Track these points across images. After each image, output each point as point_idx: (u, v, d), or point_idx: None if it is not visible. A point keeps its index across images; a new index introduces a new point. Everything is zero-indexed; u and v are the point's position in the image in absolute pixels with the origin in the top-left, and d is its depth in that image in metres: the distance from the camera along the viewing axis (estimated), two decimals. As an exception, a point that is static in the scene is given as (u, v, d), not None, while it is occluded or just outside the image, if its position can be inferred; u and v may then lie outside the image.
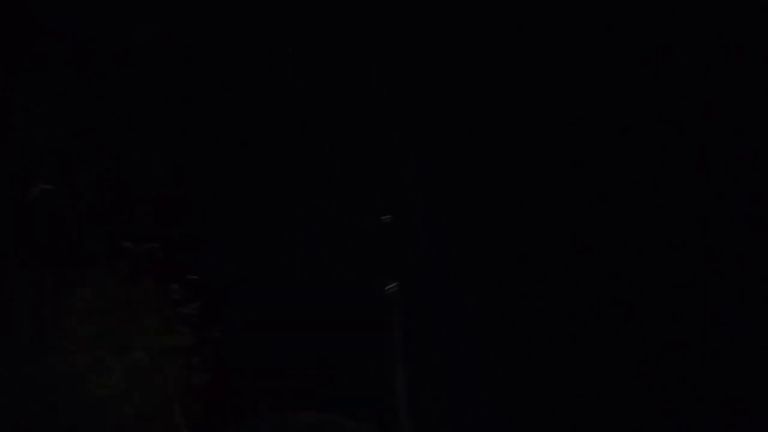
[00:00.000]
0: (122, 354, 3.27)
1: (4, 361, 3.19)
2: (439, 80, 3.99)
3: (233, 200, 3.79)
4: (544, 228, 3.79)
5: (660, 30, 3.89)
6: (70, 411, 3.19)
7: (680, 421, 3.50)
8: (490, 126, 3.93)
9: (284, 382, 3.52)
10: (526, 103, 3.92)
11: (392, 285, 3.66)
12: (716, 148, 3.77)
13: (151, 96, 3.75)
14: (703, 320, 3.61)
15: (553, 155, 3.87)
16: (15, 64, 3.61)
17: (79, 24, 3.74)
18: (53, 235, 3.41)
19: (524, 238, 3.80)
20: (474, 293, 3.74)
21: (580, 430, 3.55)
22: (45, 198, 3.43)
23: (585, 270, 3.72)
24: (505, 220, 3.83)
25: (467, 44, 3.98)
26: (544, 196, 3.84)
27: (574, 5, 3.94)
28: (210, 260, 3.57)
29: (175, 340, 3.42)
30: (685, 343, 3.59)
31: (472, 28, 4.01)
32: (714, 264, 3.66)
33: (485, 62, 3.97)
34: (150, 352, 3.33)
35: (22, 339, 3.24)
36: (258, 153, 3.83)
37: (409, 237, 3.85)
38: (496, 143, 3.91)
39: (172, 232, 3.55)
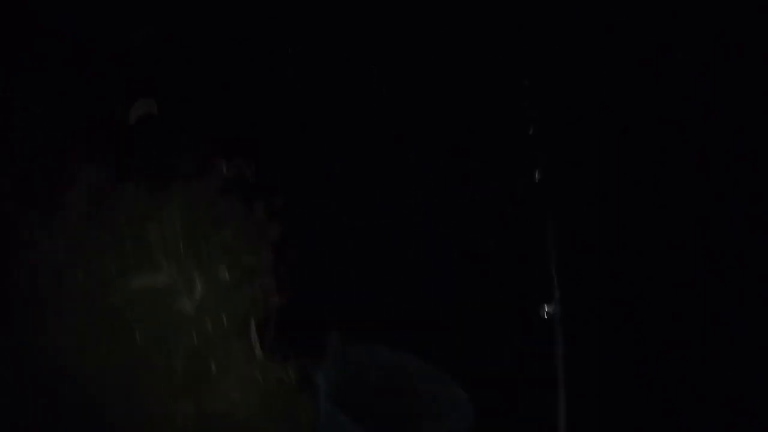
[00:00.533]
0: (207, 270, 3.26)
1: (92, 271, 3.17)
2: (438, 80, 4.00)
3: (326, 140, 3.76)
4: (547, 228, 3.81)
5: (660, 30, 3.90)
6: (154, 325, 3.20)
7: (680, 421, 3.52)
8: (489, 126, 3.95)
9: (359, 318, 3.51)
10: (527, 103, 3.93)
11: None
12: (716, 148, 3.78)
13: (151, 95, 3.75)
14: (704, 320, 3.63)
15: (554, 155, 3.88)
16: (15, 64, 3.60)
17: (79, 24, 3.73)
18: (148, 148, 3.40)
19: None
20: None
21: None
22: (145, 114, 3.41)
23: (585, 269, 3.74)
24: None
25: (467, 44, 3.99)
26: (544, 196, 3.86)
27: (575, 5, 3.95)
28: (300, 187, 3.55)
29: (257, 260, 3.39)
30: (684, 343, 3.61)
31: (472, 28, 4.02)
32: (714, 264, 3.68)
33: (484, 61, 3.99)
34: (232, 270, 3.32)
35: (111, 252, 3.23)
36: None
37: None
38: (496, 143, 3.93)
39: (263, 151, 3.53)
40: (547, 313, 3.61)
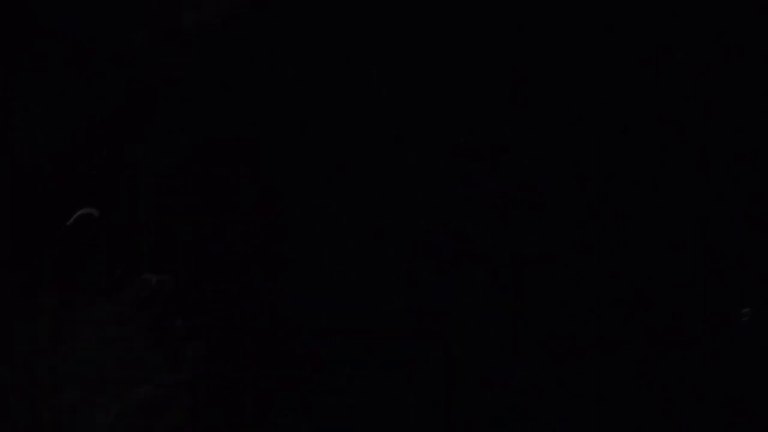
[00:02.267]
0: (127, 388, 3.23)
1: (5, 384, 3.16)
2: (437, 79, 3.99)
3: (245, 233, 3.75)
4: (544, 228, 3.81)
5: (659, 30, 3.90)
6: None
7: (679, 421, 3.52)
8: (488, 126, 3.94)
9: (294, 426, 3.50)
10: (526, 103, 3.93)
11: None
12: (716, 148, 3.78)
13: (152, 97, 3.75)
14: (704, 319, 3.62)
15: (554, 155, 3.87)
16: (15, 63, 3.60)
17: (79, 24, 3.73)
18: (79, 258, 3.38)
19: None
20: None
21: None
22: (83, 222, 3.40)
23: (585, 269, 3.73)
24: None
25: (467, 43, 3.99)
26: (543, 196, 3.86)
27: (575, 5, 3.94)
28: (221, 301, 3.53)
29: (179, 378, 3.37)
30: (684, 343, 3.60)
31: (472, 27, 4.01)
32: (714, 263, 3.68)
33: (486, 61, 3.98)
34: (154, 387, 3.30)
35: (25, 364, 3.21)
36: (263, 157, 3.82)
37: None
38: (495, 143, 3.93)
39: (185, 266, 3.51)
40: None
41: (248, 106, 3.83)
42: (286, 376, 3.55)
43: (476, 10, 4.01)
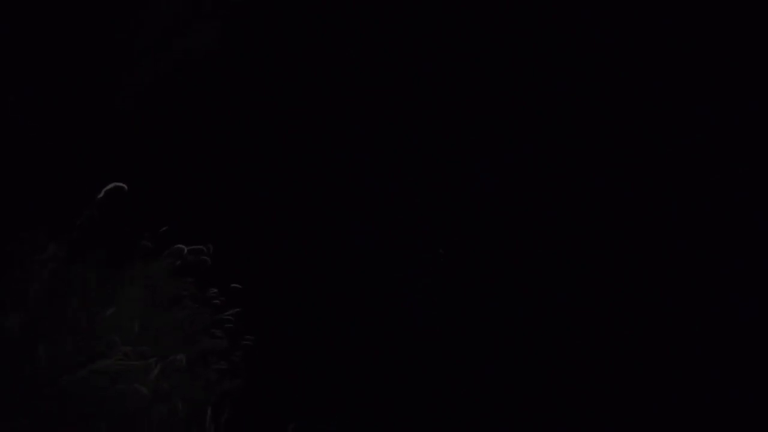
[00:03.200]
0: (163, 353, 3.29)
1: (52, 355, 3.20)
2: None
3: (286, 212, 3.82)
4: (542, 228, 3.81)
5: (660, 30, 3.90)
6: (109, 408, 3.20)
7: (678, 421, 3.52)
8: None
9: (316, 398, 3.58)
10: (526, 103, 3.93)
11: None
12: (717, 148, 3.78)
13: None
14: (704, 319, 3.62)
15: (554, 155, 3.88)
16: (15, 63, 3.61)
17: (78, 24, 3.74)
18: (111, 230, 3.42)
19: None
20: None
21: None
22: (112, 195, 3.43)
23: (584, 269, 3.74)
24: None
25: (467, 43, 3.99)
26: (543, 195, 3.86)
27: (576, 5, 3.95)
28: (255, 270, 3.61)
29: (212, 344, 3.44)
30: (684, 343, 3.61)
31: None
32: (715, 263, 3.68)
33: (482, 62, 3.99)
34: (188, 353, 3.34)
35: (69, 333, 3.25)
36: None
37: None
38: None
39: (223, 237, 3.57)
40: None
41: (210, 188, 3.86)
42: (319, 345, 3.67)
43: (477, 10, 4.01)
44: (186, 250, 3.51)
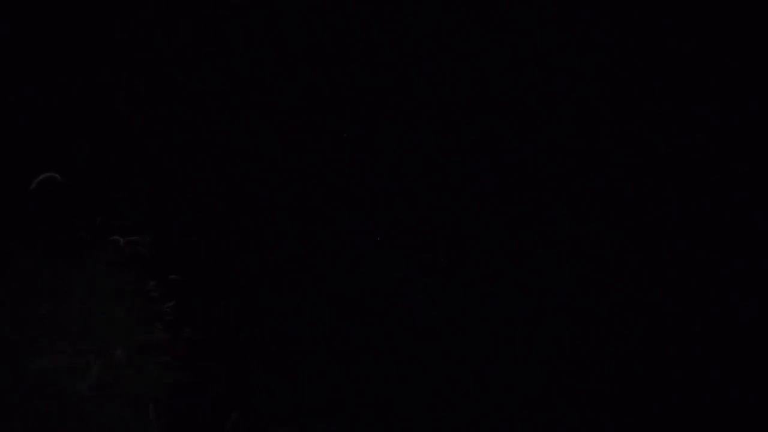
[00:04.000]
0: (103, 349, 3.22)
1: None
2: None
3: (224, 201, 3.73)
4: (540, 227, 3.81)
5: (659, 30, 3.89)
6: (50, 407, 3.12)
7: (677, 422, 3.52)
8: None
9: (262, 390, 3.49)
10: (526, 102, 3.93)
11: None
12: (717, 148, 3.77)
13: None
14: (704, 318, 3.62)
15: (554, 155, 3.87)
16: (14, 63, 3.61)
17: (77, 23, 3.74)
18: (48, 222, 3.37)
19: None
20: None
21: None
22: (46, 186, 3.39)
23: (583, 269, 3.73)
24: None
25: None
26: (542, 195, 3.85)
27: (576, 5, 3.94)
28: (194, 260, 3.52)
29: (152, 337, 3.36)
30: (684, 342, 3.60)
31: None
32: (714, 263, 3.68)
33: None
34: (128, 348, 3.28)
35: (3, 331, 3.19)
36: (255, 151, 3.81)
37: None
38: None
39: (160, 227, 3.50)
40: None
41: (150, 177, 3.79)
42: (258, 336, 3.56)
43: (477, 10, 4.01)
44: (122, 242, 3.43)
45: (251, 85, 3.91)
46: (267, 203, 3.77)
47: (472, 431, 3.60)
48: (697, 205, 3.75)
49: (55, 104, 3.67)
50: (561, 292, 3.75)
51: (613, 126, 3.88)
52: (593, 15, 3.93)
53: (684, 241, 3.75)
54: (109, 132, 3.64)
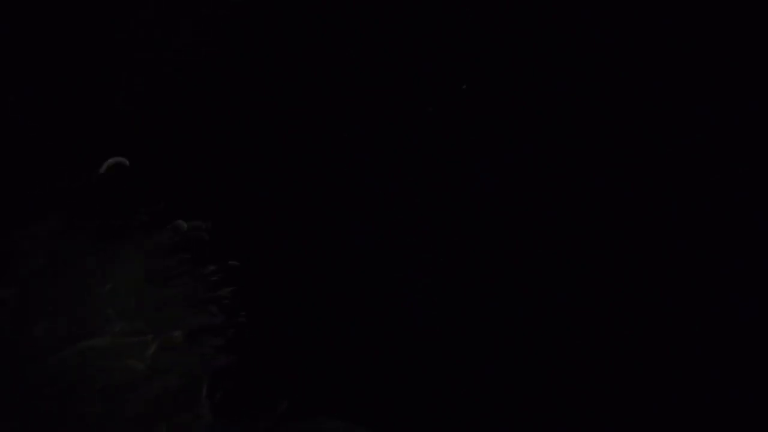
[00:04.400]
0: (159, 328, 3.24)
1: (47, 330, 3.15)
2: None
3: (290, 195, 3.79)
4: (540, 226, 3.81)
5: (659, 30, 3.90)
6: (104, 384, 3.13)
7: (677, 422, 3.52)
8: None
9: (309, 381, 3.54)
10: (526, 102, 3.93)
11: None
12: (717, 148, 3.77)
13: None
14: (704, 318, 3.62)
15: (554, 155, 3.88)
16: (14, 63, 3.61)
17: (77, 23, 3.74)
18: (108, 204, 3.39)
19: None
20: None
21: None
22: (114, 170, 3.41)
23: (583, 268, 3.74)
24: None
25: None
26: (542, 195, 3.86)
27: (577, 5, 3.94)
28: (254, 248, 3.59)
29: (207, 321, 3.38)
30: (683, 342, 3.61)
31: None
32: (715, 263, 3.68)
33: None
34: (183, 330, 3.30)
35: (64, 307, 3.19)
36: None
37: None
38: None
39: (223, 214, 3.54)
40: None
41: (209, 164, 3.83)
42: (314, 326, 3.64)
43: (477, 10, 4.01)
44: (185, 226, 3.46)
45: (251, 85, 3.91)
46: (268, 203, 3.78)
47: (472, 431, 3.60)
48: (697, 205, 3.75)
49: (55, 104, 3.66)
50: (561, 292, 3.75)
51: (613, 126, 3.88)
52: (593, 15, 3.93)
53: (684, 241, 3.75)
54: (109, 132, 3.65)
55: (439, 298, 3.79)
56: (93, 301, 3.23)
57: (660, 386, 3.60)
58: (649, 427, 3.57)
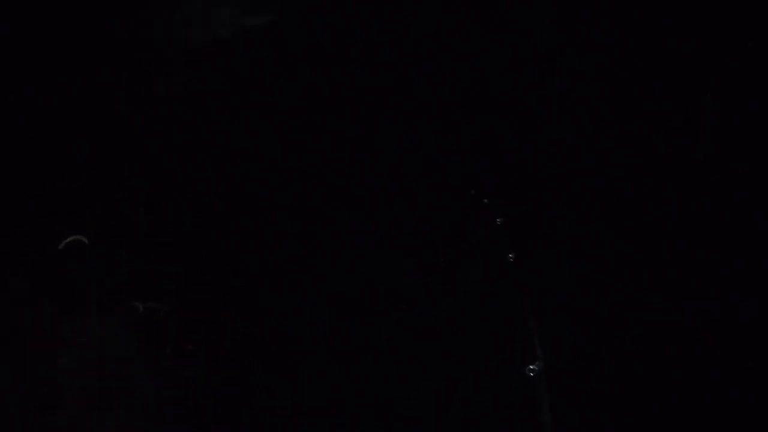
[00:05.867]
0: (120, 410, 3.19)
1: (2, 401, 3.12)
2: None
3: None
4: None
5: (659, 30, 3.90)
6: None
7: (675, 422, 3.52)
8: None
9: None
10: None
11: None
12: (717, 148, 3.77)
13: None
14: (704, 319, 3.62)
15: (554, 155, 3.88)
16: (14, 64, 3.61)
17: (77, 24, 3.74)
18: (68, 282, 3.37)
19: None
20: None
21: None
22: (74, 248, 3.40)
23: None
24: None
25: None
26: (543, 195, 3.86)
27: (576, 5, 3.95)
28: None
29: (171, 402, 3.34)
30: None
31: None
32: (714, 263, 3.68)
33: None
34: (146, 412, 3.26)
35: (22, 380, 3.17)
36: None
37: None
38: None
39: (179, 294, 3.51)
40: (531, 371, 3.62)
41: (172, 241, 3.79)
42: (282, 399, 3.58)
43: (477, 10, 4.01)
44: (141, 308, 3.42)
45: (251, 84, 3.91)
46: (267, 204, 3.78)
47: (472, 430, 3.60)
48: (697, 205, 3.75)
49: (55, 104, 3.66)
50: (561, 292, 3.75)
51: (613, 126, 3.88)
52: (593, 15, 3.93)
53: (684, 241, 3.75)
54: (109, 132, 3.65)
55: (439, 298, 3.79)
56: (49, 382, 3.20)
57: (660, 386, 3.59)
58: (650, 427, 3.56)
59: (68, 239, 3.38)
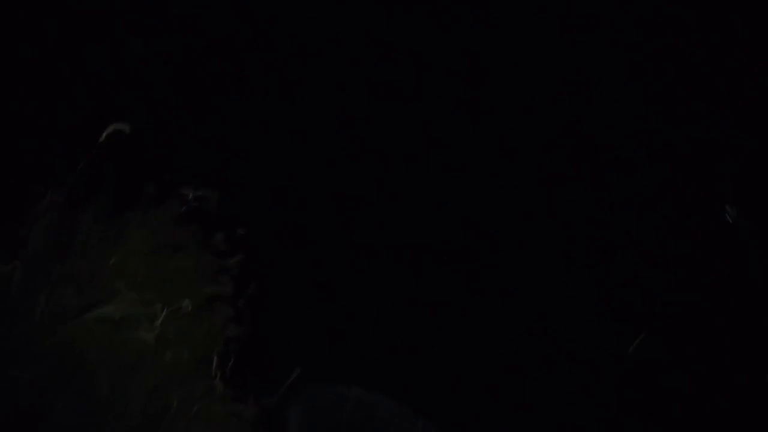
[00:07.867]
0: (169, 299, 3.20)
1: (53, 304, 3.11)
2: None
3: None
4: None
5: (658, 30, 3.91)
6: (111, 356, 3.08)
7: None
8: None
9: (320, 348, 3.55)
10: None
11: None
12: (717, 148, 3.79)
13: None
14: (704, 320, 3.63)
15: (554, 155, 3.89)
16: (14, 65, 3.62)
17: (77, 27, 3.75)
18: (113, 176, 3.36)
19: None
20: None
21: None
22: (115, 137, 3.37)
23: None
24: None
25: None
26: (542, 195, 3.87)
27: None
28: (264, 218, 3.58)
29: (217, 290, 3.35)
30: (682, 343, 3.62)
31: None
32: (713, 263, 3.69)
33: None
34: (193, 299, 3.24)
35: (70, 280, 3.16)
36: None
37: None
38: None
39: (231, 182, 3.53)
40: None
41: (216, 135, 3.82)
42: (324, 294, 3.64)
43: (477, 10, 4.02)
44: (191, 196, 3.44)
45: (251, 84, 3.92)
46: (269, 203, 3.79)
47: (472, 430, 3.61)
48: (697, 205, 3.76)
49: (54, 104, 3.67)
50: (561, 292, 3.76)
51: (612, 126, 3.89)
52: (593, 15, 3.94)
53: (684, 241, 3.76)
54: (109, 132, 3.65)
55: (439, 298, 3.81)
56: (99, 274, 3.20)
57: (660, 386, 3.61)
58: (649, 427, 3.58)
59: (108, 129, 3.34)
